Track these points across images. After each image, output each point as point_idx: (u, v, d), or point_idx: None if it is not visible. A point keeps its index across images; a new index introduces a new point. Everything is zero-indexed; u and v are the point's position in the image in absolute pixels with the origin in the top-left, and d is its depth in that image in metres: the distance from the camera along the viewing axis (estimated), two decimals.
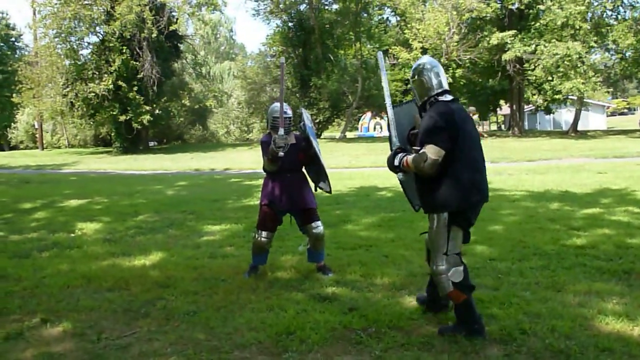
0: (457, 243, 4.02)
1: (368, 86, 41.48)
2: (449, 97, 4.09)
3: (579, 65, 31.27)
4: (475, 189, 4.00)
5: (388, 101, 4.51)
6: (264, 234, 5.61)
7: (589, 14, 32.95)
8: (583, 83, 31.33)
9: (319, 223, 5.64)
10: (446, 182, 3.93)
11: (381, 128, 53.05)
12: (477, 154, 4.06)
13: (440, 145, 3.86)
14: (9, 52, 54.10)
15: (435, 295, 4.34)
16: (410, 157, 4.02)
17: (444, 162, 3.88)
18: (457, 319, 4.05)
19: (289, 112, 5.60)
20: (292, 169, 5.62)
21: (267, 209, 5.62)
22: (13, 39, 55.06)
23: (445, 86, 4.12)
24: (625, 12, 33.97)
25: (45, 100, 34.63)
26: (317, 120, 42.39)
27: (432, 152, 3.86)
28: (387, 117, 4.48)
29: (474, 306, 4.04)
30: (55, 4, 33.07)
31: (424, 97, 4.14)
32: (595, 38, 32.59)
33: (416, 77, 4.18)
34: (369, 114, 49.19)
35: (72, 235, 8.19)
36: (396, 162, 4.17)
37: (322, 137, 44.59)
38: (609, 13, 34.43)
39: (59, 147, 47.37)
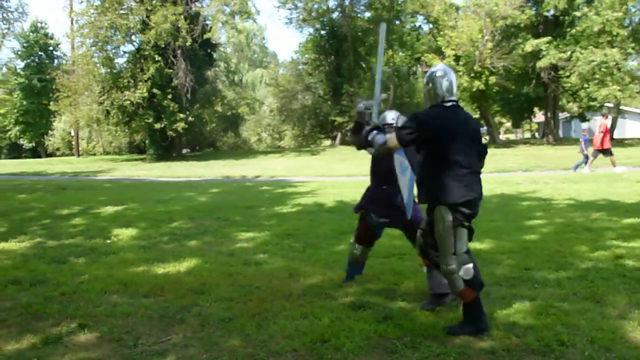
0: (463, 242, 4.19)
1: (400, 93, 41.37)
2: (449, 103, 4.26)
3: (615, 72, 30.73)
4: (455, 190, 4.13)
5: (378, 77, 4.84)
6: (359, 248, 5.56)
7: (627, 21, 32.38)
8: (620, 90, 30.78)
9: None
10: (431, 180, 4.22)
11: None
12: (462, 159, 4.16)
13: (401, 138, 4.19)
14: (47, 61, 55.30)
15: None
16: (376, 136, 4.41)
17: (430, 161, 4.22)
18: (465, 317, 4.19)
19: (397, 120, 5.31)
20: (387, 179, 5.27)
21: (365, 226, 5.46)
22: (51, 48, 56.24)
23: (453, 95, 4.27)
24: None
25: (81, 108, 35.32)
26: (348, 128, 42.30)
27: (391, 140, 4.24)
28: (375, 93, 4.78)
29: (482, 305, 4.20)
30: (93, 13, 33.79)
31: (433, 103, 4.31)
32: (633, 44, 32.02)
33: (429, 84, 4.32)
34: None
35: (108, 241, 8.31)
36: (369, 138, 4.53)
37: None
38: None
39: (95, 154, 48.19)
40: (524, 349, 3.87)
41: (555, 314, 4.48)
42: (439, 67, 4.35)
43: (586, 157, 20.39)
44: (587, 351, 3.78)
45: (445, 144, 4.14)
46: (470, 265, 4.17)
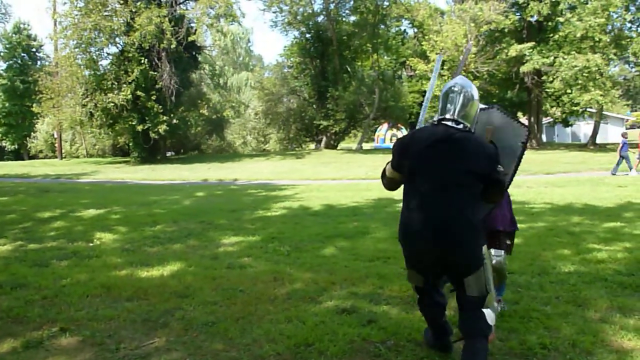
0: (411, 277, 3.77)
1: (385, 97, 41.51)
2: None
3: (597, 78, 31.09)
4: (407, 228, 3.55)
5: (425, 103, 4.39)
6: None
7: (609, 26, 32.78)
8: (602, 95, 31.14)
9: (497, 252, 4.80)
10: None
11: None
12: (427, 190, 3.43)
13: (391, 163, 3.75)
14: (30, 63, 54.81)
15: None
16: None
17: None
18: None
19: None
20: None
21: None
22: (34, 50, 55.80)
23: (448, 113, 3.57)
24: None
25: (64, 110, 35.01)
26: (334, 131, 42.46)
27: (387, 167, 3.82)
28: (420, 117, 4.28)
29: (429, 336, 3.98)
30: (76, 15, 33.53)
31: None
32: (615, 50, 32.43)
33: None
34: (385, 125, 49.15)
35: (91, 244, 8.24)
36: None
37: (338, 148, 44.65)
38: (629, 25, 34.29)
39: (78, 157, 47.82)
40: (507, 352, 3.89)
41: (537, 318, 4.51)
42: (451, 82, 3.75)
43: (621, 159, 20.38)
44: (568, 354, 3.81)
45: (412, 170, 3.55)
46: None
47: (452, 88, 3.64)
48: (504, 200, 4.73)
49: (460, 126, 3.50)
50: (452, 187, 3.37)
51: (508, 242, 4.80)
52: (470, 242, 3.41)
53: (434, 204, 3.38)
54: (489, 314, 3.50)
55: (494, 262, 4.65)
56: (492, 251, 4.67)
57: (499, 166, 3.53)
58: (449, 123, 3.52)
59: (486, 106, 4.02)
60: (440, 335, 3.87)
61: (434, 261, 3.48)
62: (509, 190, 4.65)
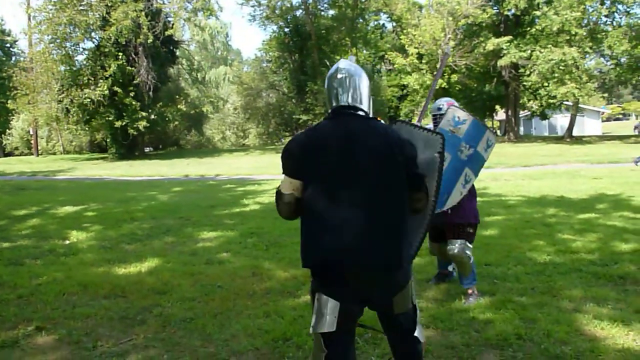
0: (322, 317, 2.72)
1: None
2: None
3: (574, 71, 31.45)
4: (316, 249, 2.75)
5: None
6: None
7: (585, 20, 33.14)
8: (578, 88, 31.50)
9: (456, 242, 4.87)
10: (301, 230, 2.87)
11: None
12: (329, 205, 2.69)
13: (286, 174, 2.82)
14: (4, 58, 53.86)
15: None
16: None
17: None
18: None
19: (444, 108, 4.81)
20: None
21: None
22: (8, 45, 54.89)
23: (343, 101, 2.85)
24: (620, 18, 34.19)
25: (40, 106, 34.56)
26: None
27: (282, 183, 2.85)
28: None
29: None
30: (51, 9, 33.08)
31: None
32: (591, 44, 32.83)
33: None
34: None
35: (68, 242, 8.16)
36: None
37: None
38: (604, 19, 34.71)
39: (55, 154, 47.27)
40: (483, 344, 3.94)
41: (513, 309, 4.57)
42: (337, 64, 2.98)
43: None
44: (543, 344, 3.87)
45: (308, 179, 2.75)
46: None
47: (339, 71, 2.91)
48: (470, 194, 4.87)
49: (361, 113, 2.85)
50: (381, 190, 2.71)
51: (470, 230, 4.91)
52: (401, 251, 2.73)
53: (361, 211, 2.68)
54: (420, 330, 2.95)
55: (454, 251, 4.83)
56: (452, 241, 4.87)
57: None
58: (350, 111, 2.85)
59: (390, 123, 3.40)
60: None
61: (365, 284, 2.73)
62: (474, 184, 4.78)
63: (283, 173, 2.82)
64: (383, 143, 2.73)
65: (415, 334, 2.87)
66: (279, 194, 2.86)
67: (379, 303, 2.85)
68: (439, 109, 4.90)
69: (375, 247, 2.65)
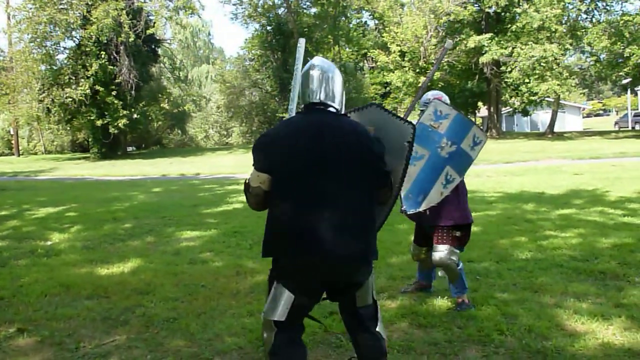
0: (275, 306, 2.82)
1: (347, 89, 41.58)
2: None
3: (554, 67, 31.73)
4: (282, 242, 2.78)
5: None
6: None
7: (564, 17, 33.44)
8: (559, 85, 31.79)
9: (439, 247, 4.60)
10: (268, 220, 2.90)
11: None
12: (297, 200, 2.74)
13: (255, 167, 2.87)
14: None
15: None
16: None
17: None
18: None
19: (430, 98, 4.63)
20: None
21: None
22: None
23: (316, 98, 2.93)
24: (600, 15, 34.51)
25: (20, 106, 34.23)
26: None
27: (250, 175, 2.91)
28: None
29: None
30: (30, 8, 32.73)
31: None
32: (571, 41, 33.14)
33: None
34: None
35: (49, 243, 8.09)
36: None
37: None
38: (584, 16, 35.07)
39: (36, 154, 46.82)
40: (465, 340, 3.97)
41: (495, 305, 4.61)
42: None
43: None
44: (524, 340, 3.90)
45: (278, 171, 2.81)
46: (271, 338, 2.83)
47: (312, 68, 2.98)
48: (457, 194, 4.52)
49: (332, 109, 2.93)
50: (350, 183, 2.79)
51: (457, 234, 4.57)
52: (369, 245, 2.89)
53: (332, 204, 2.73)
54: (382, 327, 3.02)
55: (435, 258, 4.55)
56: (435, 246, 4.57)
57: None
58: (321, 107, 2.93)
59: (364, 105, 3.42)
60: None
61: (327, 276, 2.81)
62: (464, 180, 4.69)
63: (253, 166, 2.88)
64: (352, 140, 2.81)
65: (377, 329, 2.94)
66: (247, 186, 2.93)
67: (341, 297, 2.95)
68: (426, 103, 4.61)
69: (343, 242, 2.71)
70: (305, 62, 3.27)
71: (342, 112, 3.01)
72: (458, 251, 4.59)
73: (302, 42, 3.68)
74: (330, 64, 3.03)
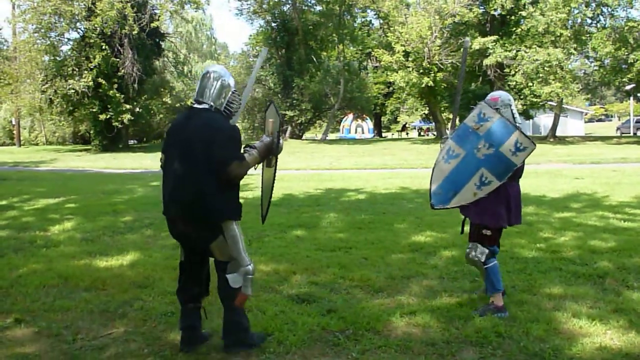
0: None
1: (350, 88, 41.63)
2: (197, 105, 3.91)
3: (558, 71, 31.68)
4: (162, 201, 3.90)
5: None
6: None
7: (570, 22, 33.36)
8: (562, 88, 31.74)
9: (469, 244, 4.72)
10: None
11: (362, 130, 52.97)
12: (170, 168, 3.83)
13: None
14: None
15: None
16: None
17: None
18: (232, 326, 3.85)
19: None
20: None
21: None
22: None
23: (196, 96, 3.92)
24: (605, 20, 34.43)
25: (23, 96, 34.17)
26: (300, 121, 42.50)
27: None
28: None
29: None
30: None
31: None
32: (575, 45, 33.04)
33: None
34: (350, 116, 49.24)
35: (48, 234, 8.09)
36: None
37: (303, 138, 44.66)
38: (589, 21, 34.92)
39: (37, 144, 46.80)
40: (463, 341, 3.97)
41: None
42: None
43: None
44: (522, 342, 3.90)
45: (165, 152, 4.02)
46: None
47: (204, 74, 3.98)
48: (498, 196, 4.47)
49: (203, 105, 3.85)
50: (184, 158, 3.73)
51: (486, 232, 4.58)
52: (200, 209, 3.67)
53: (171, 175, 3.80)
54: (233, 278, 3.82)
55: (466, 254, 4.66)
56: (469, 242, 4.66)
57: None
58: (195, 104, 3.90)
59: (269, 102, 4.34)
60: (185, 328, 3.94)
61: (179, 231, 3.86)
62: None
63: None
64: (197, 129, 3.72)
65: (227, 275, 3.82)
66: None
67: (199, 246, 3.87)
68: (491, 105, 4.65)
69: (180, 204, 3.73)
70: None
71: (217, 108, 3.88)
72: (486, 250, 4.59)
73: (264, 51, 4.84)
74: (221, 70, 4.05)
